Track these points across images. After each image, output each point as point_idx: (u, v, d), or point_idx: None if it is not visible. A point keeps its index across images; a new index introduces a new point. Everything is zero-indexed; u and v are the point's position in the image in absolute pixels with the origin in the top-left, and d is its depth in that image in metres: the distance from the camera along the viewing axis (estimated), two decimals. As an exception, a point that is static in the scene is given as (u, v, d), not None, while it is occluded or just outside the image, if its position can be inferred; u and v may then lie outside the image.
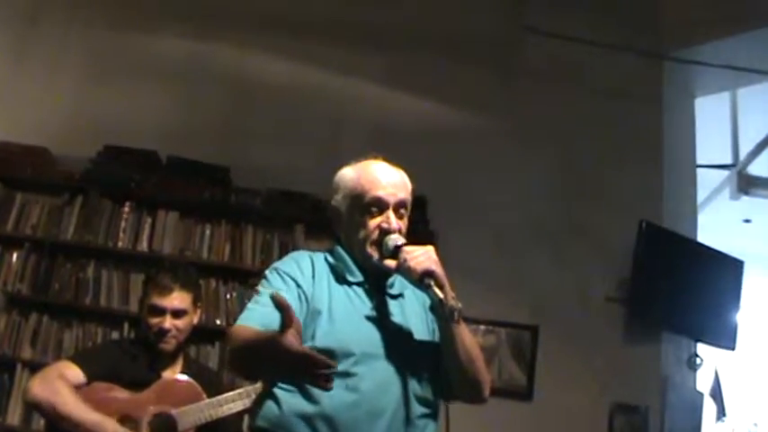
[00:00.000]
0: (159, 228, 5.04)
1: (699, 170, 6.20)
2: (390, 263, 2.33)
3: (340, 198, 2.45)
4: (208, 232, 5.07)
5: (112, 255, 4.99)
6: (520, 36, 5.61)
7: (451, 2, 5.74)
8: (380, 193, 2.39)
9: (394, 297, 2.43)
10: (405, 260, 2.27)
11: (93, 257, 4.97)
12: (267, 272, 2.39)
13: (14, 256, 4.94)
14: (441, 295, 2.21)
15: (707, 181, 6.76)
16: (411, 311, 2.42)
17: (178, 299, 3.25)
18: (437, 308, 2.29)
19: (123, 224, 5.01)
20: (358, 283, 2.39)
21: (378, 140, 5.00)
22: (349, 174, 2.47)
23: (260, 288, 2.36)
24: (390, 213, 2.39)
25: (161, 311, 3.22)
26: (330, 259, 2.44)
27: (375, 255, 2.37)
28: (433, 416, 2.34)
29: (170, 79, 5.49)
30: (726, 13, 5.49)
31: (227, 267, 4.98)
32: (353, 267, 2.40)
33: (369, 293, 2.38)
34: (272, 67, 5.57)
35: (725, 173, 6.98)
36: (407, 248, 2.31)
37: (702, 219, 6.26)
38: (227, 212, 5.10)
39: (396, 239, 2.34)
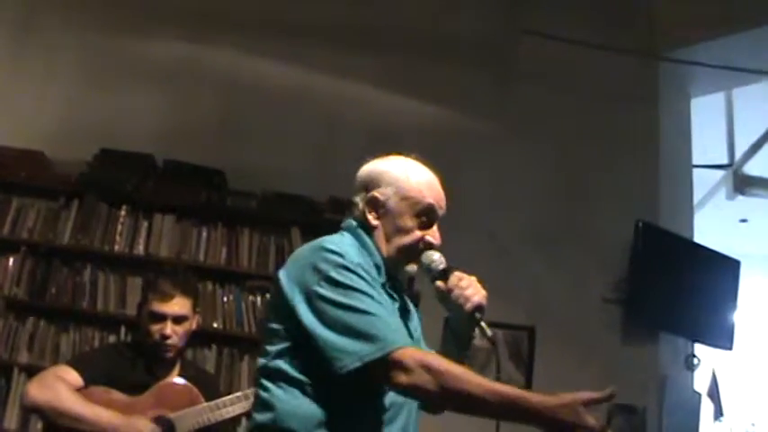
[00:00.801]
0: (156, 231, 5.03)
1: (695, 170, 6.22)
2: (441, 285, 2.28)
3: (390, 192, 2.32)
4: (204, 235, 5.06)
5: (109, 258, 4.97)
6: (516, 38, 5.61)
7: (448, 4, 5.74)
8: (436, 204, 2.35)
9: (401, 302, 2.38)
10: (459, 288, 2.25)
11: (90, 261, 4.96)
12: (344, 262, 2.14)
13: (11, 260, 4.92)
14: (489, 333, 2.21)
15: (703, 181, 6.77)
16: (410, 321, 2.39)
17: (179, 305, 3.24)
18: (468, 335, 2.32)
19: (120, 228, 5.00)
20: (381, 284, 2.27)
21: (374, 143, 5.00)
22: (401, 171, 2.38)
23: (355, 285, 2.11)
24: (436, 229, 2.35)
25: (162, 318, 3.22)
26: (364, 253, 2.28)
27: (411, 267, 2.32)
28: None
29: (165, 82, 5.49)
30: (721, 12, 5.50)
31: (223, 270, 4.97)
32: (383, 267, 2.29)
33: (390, 297, 2.30)
34: (267, 69, 5.57)
35: (721, 173, 7.00)
36: (458, 274, 2.28)
37: (699, 219, 6.27)
38: (223, 215, 5.09)
39: (441, 260, 2.30)
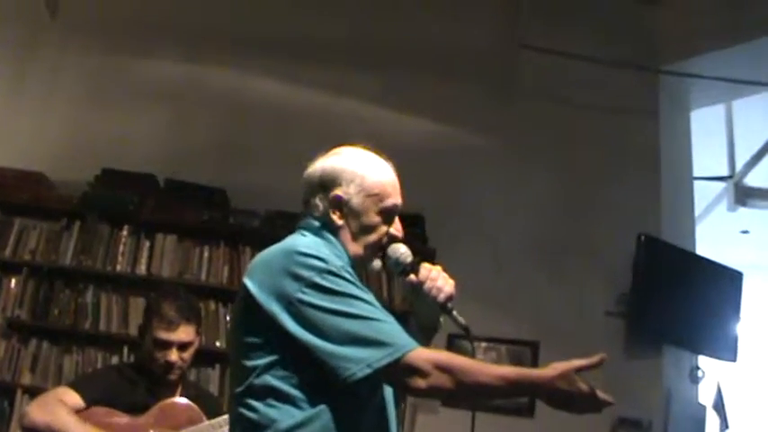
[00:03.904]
0: (158, 251, 5.04)
1: (696, 182, 6.22)
2: (413, 278, 2.26)
3: (352, 191, 2.25)
4: (206, 254, 5.06)
5: (111, 279, 4.98)
6: (515, 53, 5.61)
7: (447, 20, 5.75)
8: (399, 200, 2.32)
9: None
10: (431, 280, 2.25)
11: (92, 282, 4.97)
12: (328, 267, 2.08)
13: (13, 281, 4.94)
14: (463, 322, 2.24)
15: (704, 193, 6.77)
16: None
17: (184, 332, 3.23)
18: (435, 325, 2.34)
19: (122, 248, 5.01)
20: None
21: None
22: (359, 167, 2.30)
23: (346, 290, 2.07)
24: (397, 221, 2.32)
25: (167, 345, 3.21)
26: (336, 252, 2.21)
27: (376, 264, 2.29)
28: None
29: (166, 102, 5.51)
30: (719, 25, 5.51)
31: (225, 289, 4.96)
32: (350, 266, 2.20)
33: None
34: (267, 87, 5.59)
35: (722, 184, 6.99)
36: (427, 266, 2.27)
37: (700, 231, 6.26)
38: (225, 234, 5.10)
39: (408, 252, 2.28)
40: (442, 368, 2.00)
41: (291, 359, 2.05)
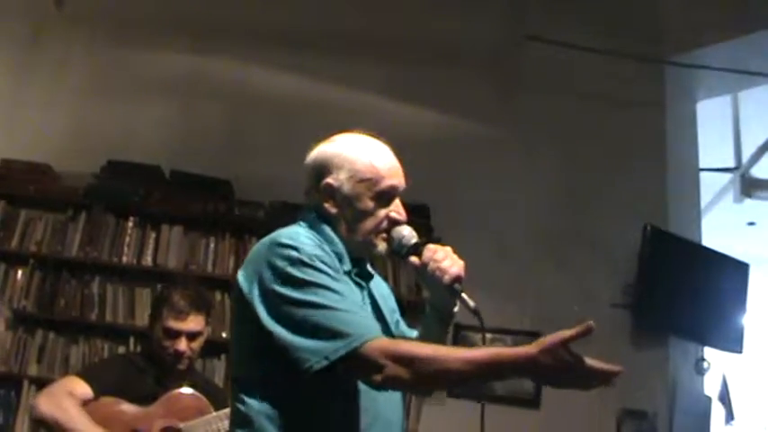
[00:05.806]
0: (164, 242, 5.05)
1: (702, 174, 6.20)
2: (415, 260, 2.19)
3: (343, 178, 2.20)
4: (212, 246, 5.08)
5: (117, 270, 4.99)
6: (520, 44, 5.60)
7: (451, 12, 5.74)
8: (396, 181, 2.23)
9: (368, 287, 2.29)
10: (434, 261, 2.16)
11: (98, 273, 4.98)
12: (300, 256, 2.03)
13: (19, 273, 4.95)
14: (472, 304, 2.15)
15: (710, 184, 6.76)
16: (383, 304, 2.32)
17: (194, 322, 3.26)
18: (449, 310, 2.28)
19: (127, 239, 5.02)
20: (347, 272, 2.16)
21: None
22: (351, 152, 2.24)
23: (313, 279, 2.01)
24: (399, 203, 2.24)
25: (177, 334, 3.23)
26: (324, 244, 2.16)
27: (381, 246, 2.21)
28: None
29: (172, 94, 5.51)
30: (726, 15, 5.49)
31: (231, 280, 4.95)
32: (346, 255, 2.18)
33: (357, 285, 2.20)
34: (272, 80, 5.59)
35: (728, 176, 6.98)
36: (431, 247, 2.20)
37: (707, 222, 6.26)
38: (230, 225, 5.11)
39: (411, 234, 2.21)
40: (398, 359, 1.91)
41: (268, 351, 2.01)
